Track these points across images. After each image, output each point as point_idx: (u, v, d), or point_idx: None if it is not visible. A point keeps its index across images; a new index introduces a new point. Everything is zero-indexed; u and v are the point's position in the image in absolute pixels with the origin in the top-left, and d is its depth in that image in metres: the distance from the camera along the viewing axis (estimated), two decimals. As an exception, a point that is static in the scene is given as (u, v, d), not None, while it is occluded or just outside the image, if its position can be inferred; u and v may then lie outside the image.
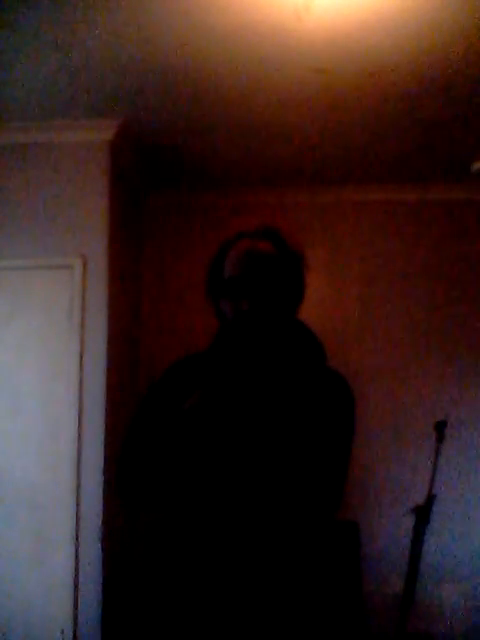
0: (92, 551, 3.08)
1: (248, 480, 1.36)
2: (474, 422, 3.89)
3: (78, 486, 3.12)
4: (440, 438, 3.10)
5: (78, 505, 3.10)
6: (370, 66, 2.91)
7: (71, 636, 3.01)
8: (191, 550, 1.41)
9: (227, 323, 1.46)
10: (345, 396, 1.45)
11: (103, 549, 3.08)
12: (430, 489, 3.03)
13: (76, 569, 3.07)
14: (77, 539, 3.08)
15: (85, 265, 3.30)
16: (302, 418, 1.38)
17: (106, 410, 3.20)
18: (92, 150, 3.40)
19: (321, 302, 3.97)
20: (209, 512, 1.39)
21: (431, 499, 3.03)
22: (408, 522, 3.08)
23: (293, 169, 3.94)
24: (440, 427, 3.12)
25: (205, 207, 4.15)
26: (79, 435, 3.16)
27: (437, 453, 3.08)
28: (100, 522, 3.09)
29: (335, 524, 1.40)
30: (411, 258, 4.12)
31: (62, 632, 3.01)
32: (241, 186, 4.11)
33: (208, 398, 1.39)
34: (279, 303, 1.46)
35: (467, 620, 3.69)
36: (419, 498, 3.07)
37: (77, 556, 3.07)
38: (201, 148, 3.68)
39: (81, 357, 3.23)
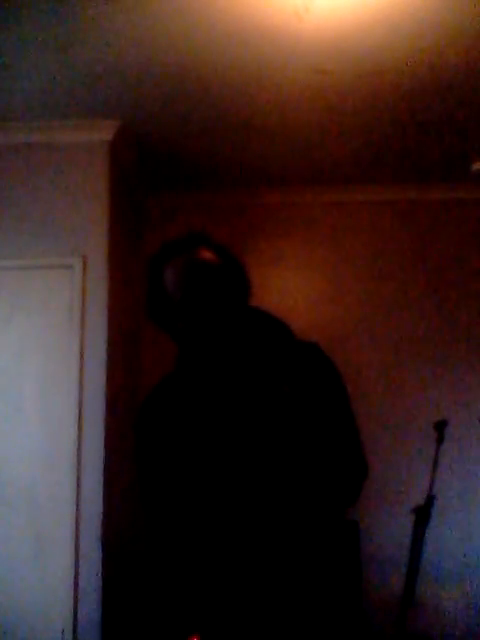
0: (92, 551, 3.07)
1: (253, 472, 1.36)
2: (474, 422, 3.89)
3: (78, 486, 3.11)
4: (440, 438, 3.10)
5: (78, 505, 3.10)
6: (370, 66, 2.91)
7: (71, 636, 3.01)
8: (192, 550, 1.41)
9: (187, 346, 1.47)
10: (323, 360, 1.46)
11: (103, 549, 3.08)
12: (430, 489, 3.04)
13: (76, 569, 3.06)
14: (77, 539, 3.07)
15: (85, 265, 3.29)
16: (295, 394, 1.39)
17: (106, 410, 3.20)
18: (92, 150, 3.40)
19: (321, 302, 3.97)
20: (212, 510, 1.39)
21: (431, 499, 3.03)
22: (408, 522, 3.08)
23: (293, 169, 3.94)
24: (440, 427, 3.12)
25: (205, 207, 4.15)
26: (79, 435, 3.16)
27: (437, 453, 3.08)
28: (100, 522, 3.09)
29: (340, 519, 1.42)
30: (411, 258, 4.12)
31: (62, 632, 3.00)
32: (241, 186, 4.11)
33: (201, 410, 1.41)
34: (232, 306, 1.42)
35: (467, 620, 3.69)
36: (419, 498, 3.07)
37: (77, 556, 3.07)
38: (201, 148, 3.68)
39: (81, 357, 3.22)
